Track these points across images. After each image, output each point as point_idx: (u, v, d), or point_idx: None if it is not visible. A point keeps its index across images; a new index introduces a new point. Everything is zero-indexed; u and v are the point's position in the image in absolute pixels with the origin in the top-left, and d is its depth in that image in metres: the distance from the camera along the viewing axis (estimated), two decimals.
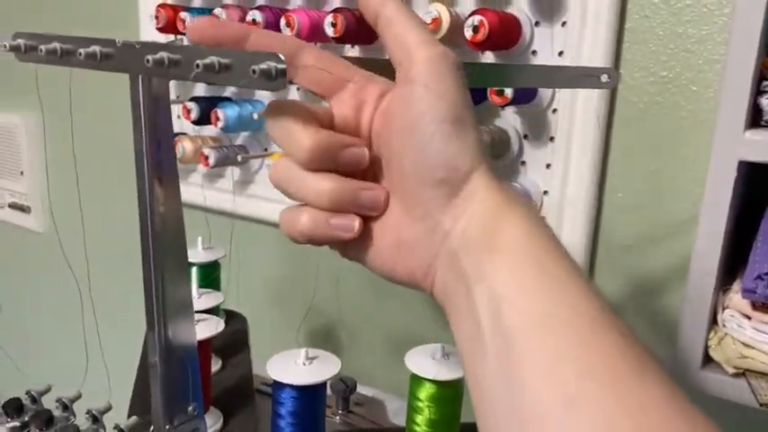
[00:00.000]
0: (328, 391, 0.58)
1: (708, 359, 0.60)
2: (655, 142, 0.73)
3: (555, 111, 0.75)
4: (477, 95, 0.74)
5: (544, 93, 0.75)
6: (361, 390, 0.74)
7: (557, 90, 0.75)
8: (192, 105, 0.94)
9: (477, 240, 0.34)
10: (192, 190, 1.07)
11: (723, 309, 0.60)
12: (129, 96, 0.45)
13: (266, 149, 1.01)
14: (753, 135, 0.56)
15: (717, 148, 0.58)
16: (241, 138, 1.02)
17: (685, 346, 0.61)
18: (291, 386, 0.51)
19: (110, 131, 1.21)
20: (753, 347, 0.57)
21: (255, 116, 0.91)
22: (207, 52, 0.39)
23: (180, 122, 1.08)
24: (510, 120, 0.78)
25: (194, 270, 0.76)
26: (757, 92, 0.57)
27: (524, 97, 0.74)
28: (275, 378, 0.51)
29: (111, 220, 1.21)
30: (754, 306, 0.58)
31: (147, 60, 0.40)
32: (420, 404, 0.54)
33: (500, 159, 0.78)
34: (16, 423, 0.48)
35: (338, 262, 0.99)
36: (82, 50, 0.44)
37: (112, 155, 1.22)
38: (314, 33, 0.79)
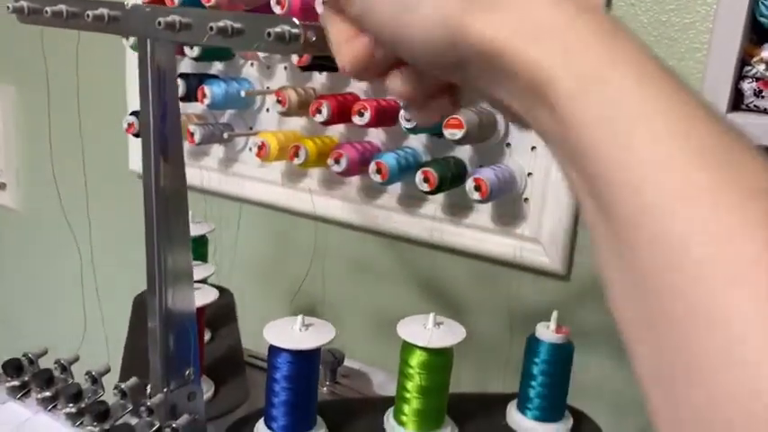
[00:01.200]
0: None
1: None
2: None
3: None
4: None
5: None
6: (348, 363, 0.75)
7: None
8: (178, 81, 0.94)
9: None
10: None
11: None
12: (138, 61, 0.45)
13: (251, 128, 1.01)
14: (735, 118, 0.58)
15: None
16: (226, 116, 1.02)
17: None
18: (288, 351, 0.52)
19: (87, 102, 1.20)
20: None
21: (243, 94, 0.91)
22: (220, 15, 0.40)
23: None
24: None
25: None
26: (739, 77, 0.59)
27: None
28: (272, 342, 0.52)
29: (112, 188, 1.21)
30: None
31: (159, 23, 0.41)
32: (411, 371, 0.55)
33: (486, 141, 0.80)
34: (16, 383, 0.48)
35: (322, 241, 1.00)
36: (90, 12, 0.44)
37: (92, 125, 1.21)
38: (305, 13, 0.80)
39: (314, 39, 0.39)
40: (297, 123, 0.95)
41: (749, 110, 0.59)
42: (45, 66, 1.25)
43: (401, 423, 0.57)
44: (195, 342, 0.52)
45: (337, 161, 0.82)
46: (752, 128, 0.57)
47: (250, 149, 1.01)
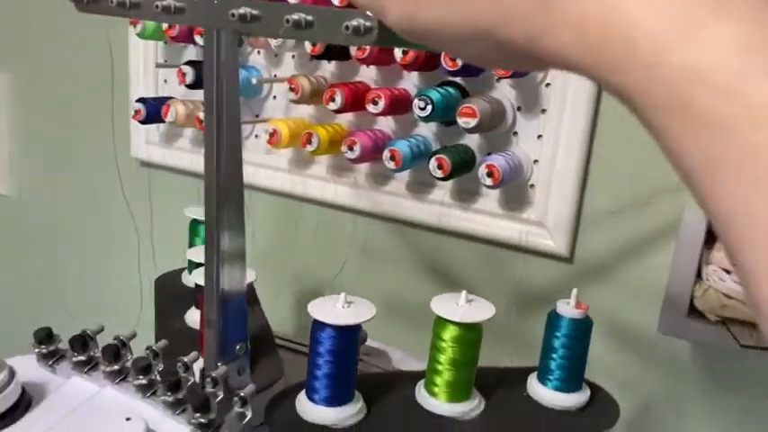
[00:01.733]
0: None
1: (693, 309, 0.68)
2: None
3: (548, 85, 0.81)
4: (477, 67, 0.79)
5: None
6: (367, 342, 0.78)
7: None
8: (187, 69, 0.95)
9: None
10: (181, 155, 1.09)
11: (707, 264, 0.67)
12: (204, 50, 0.48)
13: (257, 116, 1.03)
14: None
15: None
16: None
17: (673, 297, 0.68)
18: (332, 326, 0.55)
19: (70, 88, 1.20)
20: (733, 297, 0.64)
21: (254, 81, 0.93)
22: (293, 9, 0.42)
23: (167, 87, 1.10)
24: (505, 92, 0.83)
25: (202, 228, 0.79)
26: None
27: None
28: (316, 318, 0.55)
29: (116, 176, 1.21)
30: None
31: (233, 15, 0.43)
32: (444, 344, 0.59)
33: (494, 130, 0.83)
34: (82, 357, 0.50)
35: (331, 227, 1.03)
36: (159, 4, 0.46)
37: (94, 113, 1.22)
38: (317, 1, 0.82)
39: (382, 31, 0.42)
40: (304, 111, 0.97)
41: None
42: (41, 52, 1.25)
43: (432, 394, 0.60)
44: (245, 319, 0.54)
45: (351, 148, 0.84)
46: None
47: (256, 136, 1.03)
